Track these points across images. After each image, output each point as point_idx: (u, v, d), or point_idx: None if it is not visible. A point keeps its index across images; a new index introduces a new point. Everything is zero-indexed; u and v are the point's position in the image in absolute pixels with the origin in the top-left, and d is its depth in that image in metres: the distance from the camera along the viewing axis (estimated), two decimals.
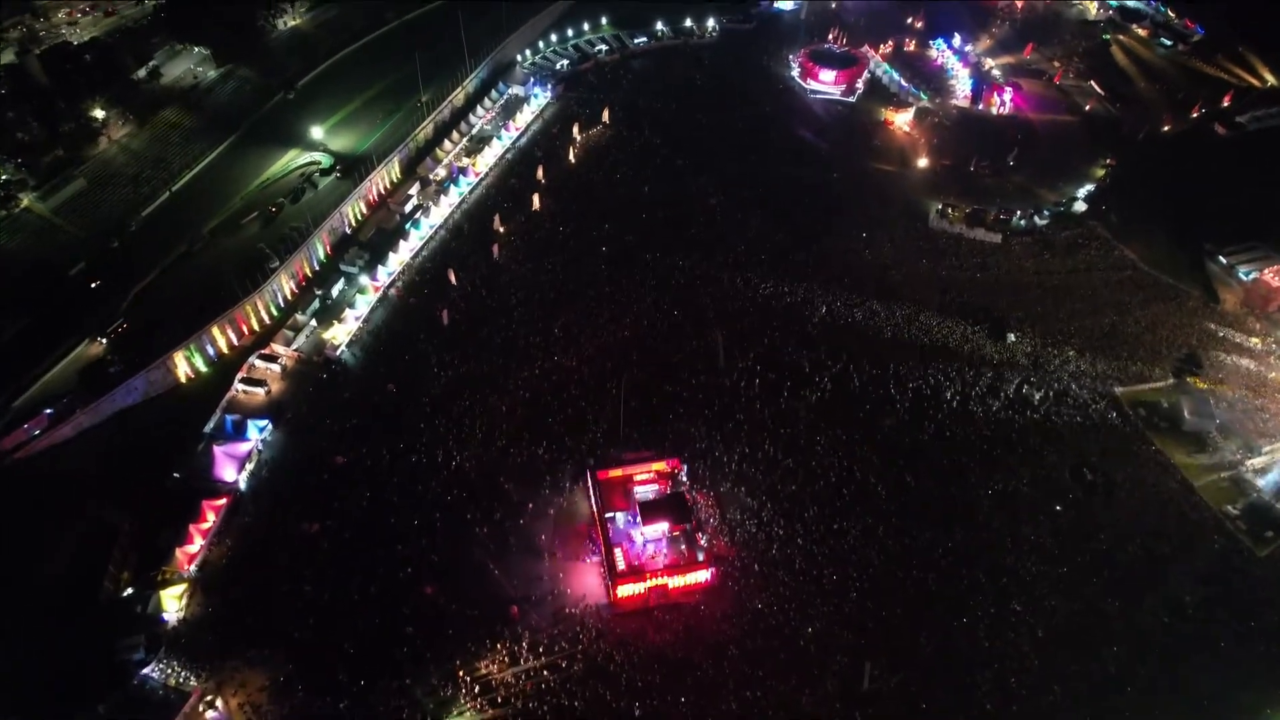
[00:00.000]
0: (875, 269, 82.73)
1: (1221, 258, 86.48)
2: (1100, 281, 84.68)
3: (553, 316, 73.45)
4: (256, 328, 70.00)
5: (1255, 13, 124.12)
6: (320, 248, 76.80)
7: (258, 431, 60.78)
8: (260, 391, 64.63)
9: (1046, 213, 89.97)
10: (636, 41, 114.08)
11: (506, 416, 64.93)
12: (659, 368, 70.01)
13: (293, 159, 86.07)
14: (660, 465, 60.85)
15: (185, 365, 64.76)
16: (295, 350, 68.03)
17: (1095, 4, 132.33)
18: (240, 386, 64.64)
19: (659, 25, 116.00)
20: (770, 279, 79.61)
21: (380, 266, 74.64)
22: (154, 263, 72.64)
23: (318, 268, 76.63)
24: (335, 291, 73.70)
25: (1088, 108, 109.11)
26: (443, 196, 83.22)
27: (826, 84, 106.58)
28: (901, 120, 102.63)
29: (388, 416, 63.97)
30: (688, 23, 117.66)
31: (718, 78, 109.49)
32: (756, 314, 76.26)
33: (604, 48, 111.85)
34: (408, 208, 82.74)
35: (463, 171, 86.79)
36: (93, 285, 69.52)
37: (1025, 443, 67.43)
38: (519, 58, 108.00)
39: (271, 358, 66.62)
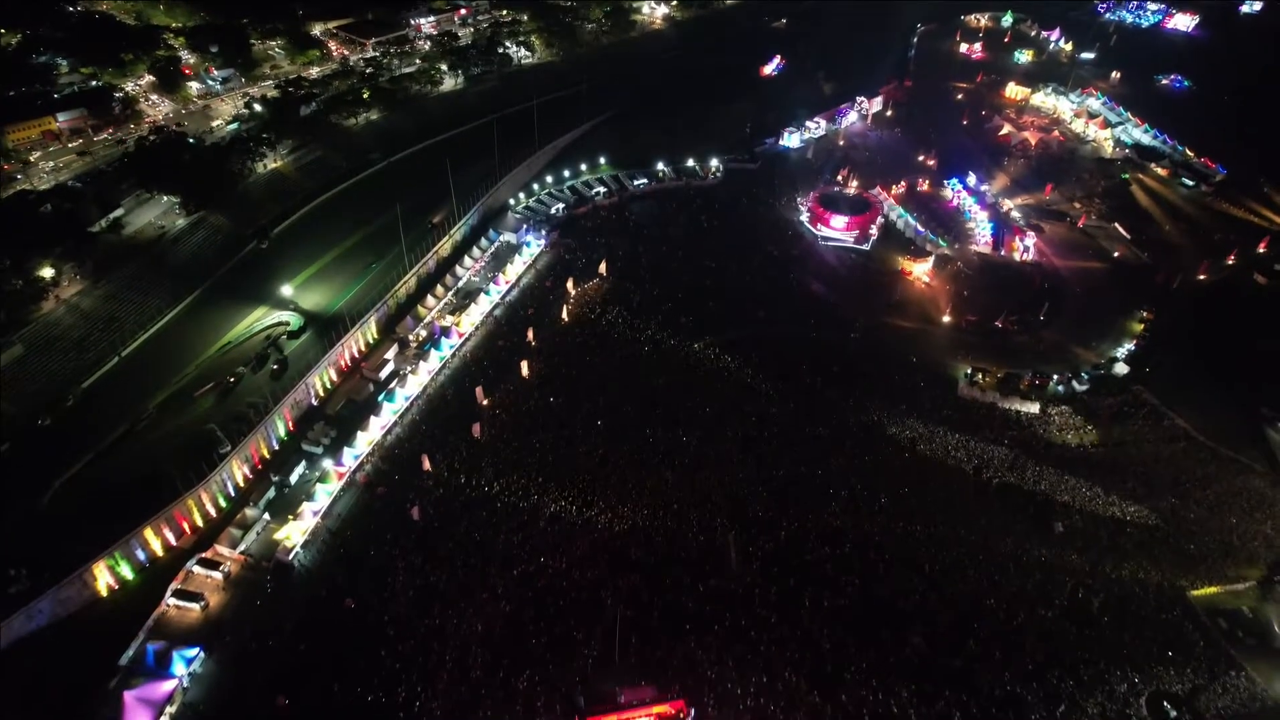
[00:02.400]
0: (901, 445, 78.01)
1: None
2: (1151, 456, 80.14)
3: (540, 507, 68.01)
4: (200, 523, 64.11)
5: (1277, 153, 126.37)
6: (281, 424, 71.93)
7: (184, 664, 53.80)
8: (195, 607, 58.03)
9: (1085, 376, 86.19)
10: (636, 183, 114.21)
11: (482, 639, 58.23)
12: (660, 571, 63.91)
13: (258, 319, 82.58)
14: (662, 708, 53.81)
15: (108, 575, 58.40)
16: (242, 553, 61.93)
17: (1110, 142, 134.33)
18: (172, 601, 58.12)
19: (660, 165, 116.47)
20: (785, 459, 74.84)
21: (346, 448, 69.54)
22: (88, 444, 67.37)
23: (277, 447, 71.52)
24: (294, 477, 68.30)
25: (1116, 254, 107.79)
26: (422, 362, 79.24)
27: (838, 230, 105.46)
28: (920, 271, 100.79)
29: (343, 640, 57.21)
30: (690, 162, 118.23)
31: (723, 223, 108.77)
32: (771, 501, 70.97)
33: (602, 190, 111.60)
34: (383, 374, 78.63)
35: (445, 332, 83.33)
36: None
37: (1088, 664, 60.75)
38: (511, 201, 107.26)
39: (213, 563, 60.44)
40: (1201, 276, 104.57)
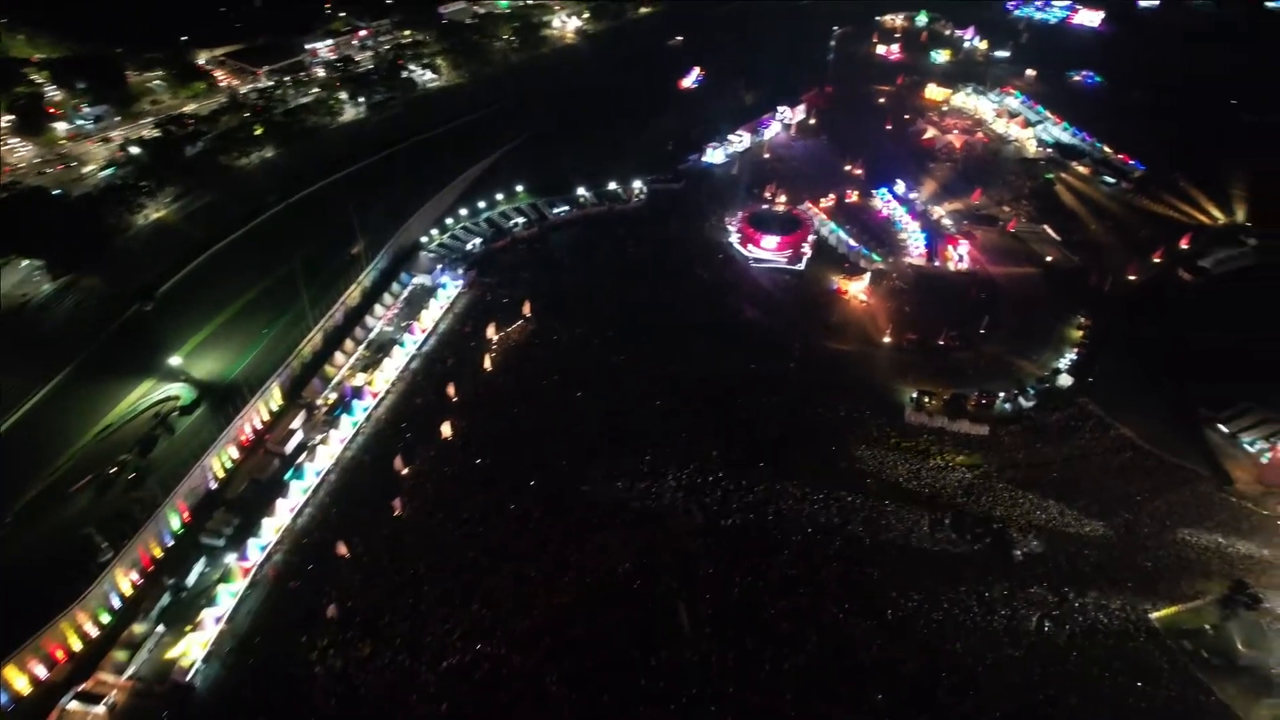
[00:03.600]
0: (852, 479, 75.65)
1: (1221, 426, 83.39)
2: (1100, 468, 79.95)
3: (473, 587, 63.06)
4: (77, 647, 56.83)
5: (1189, 148, 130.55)
6: (174, 516, 65.04)
7: None
8: None
9: (1032, 392, 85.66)
10: (556, 211, 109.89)
11: None
12: (608, 646, 59.77)
13: (144, 395, 75.05)
14: None
15: None
16: (129, 678, 55.15)
17: (1032, 142, 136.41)
18: None
19: (581, 191, 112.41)
20: (732, 506, 71.64)
21: (251, 539, 63.20)
22: None
23: (170, 543, 64.55)
24: (192, 578, 61.68)
25: (1049, 258, 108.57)
26: (332, 430, 73.28)
27: (769, 251, 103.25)
28: (856, 289, 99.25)
29: None
30: (612, 186, 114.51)
31: (649, 249, 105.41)
32: (721, 552, 67.58)
33: (520, 220, 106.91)
34: (289, 447, 72.32)
35: (357, 393, 77.49)
36: None
37: (1060, 704, 59.11)
38: (423, 239, 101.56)
39: (94, 696, 53.54)
40: (1131, 276, 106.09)
